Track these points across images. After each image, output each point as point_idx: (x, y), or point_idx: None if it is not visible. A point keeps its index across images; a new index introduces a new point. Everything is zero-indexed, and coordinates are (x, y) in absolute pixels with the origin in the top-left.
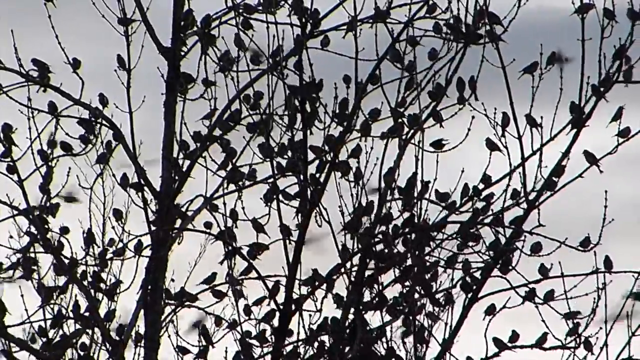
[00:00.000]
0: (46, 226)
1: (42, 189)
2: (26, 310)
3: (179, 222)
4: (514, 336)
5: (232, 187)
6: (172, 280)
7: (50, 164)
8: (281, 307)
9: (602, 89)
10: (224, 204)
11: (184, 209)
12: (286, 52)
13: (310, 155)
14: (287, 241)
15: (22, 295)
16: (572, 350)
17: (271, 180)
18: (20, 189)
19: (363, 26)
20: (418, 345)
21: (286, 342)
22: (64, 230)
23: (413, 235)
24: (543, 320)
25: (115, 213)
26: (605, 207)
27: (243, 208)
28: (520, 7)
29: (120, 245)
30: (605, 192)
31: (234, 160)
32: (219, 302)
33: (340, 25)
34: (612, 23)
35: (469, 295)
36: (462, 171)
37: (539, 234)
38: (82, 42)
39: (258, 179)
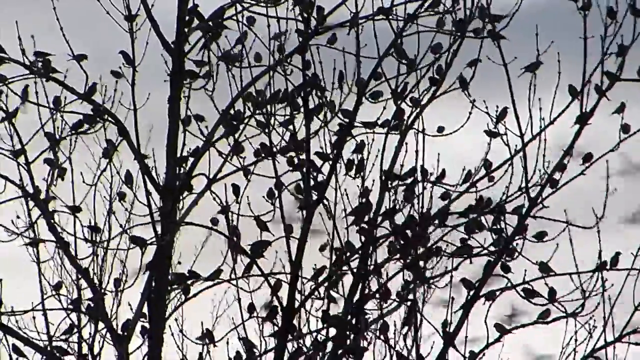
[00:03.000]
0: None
1: (49, 161)
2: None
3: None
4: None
5: (236, 165)
6: (179, 262)
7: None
8: (284, 304)
9: (604, 88)
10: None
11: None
12: (290, 48)
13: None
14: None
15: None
16: (575, 315)
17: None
18: (27, 173)
19: (366, 23)
20: (412, 332)
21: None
22: (76, 209)
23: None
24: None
25: (119, 194)
26: (608, 177)
27: (248, 203)
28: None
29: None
30: (607, 161)
31: (236, 136)
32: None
33: (343, 22)
34: (614, 22)
35: (471, 293)
36: (464, 169)
37: (543, 217)
38: (85, 38)
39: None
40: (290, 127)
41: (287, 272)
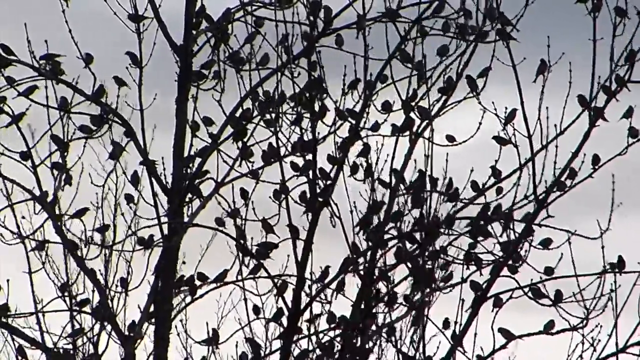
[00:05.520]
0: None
1: (57, 165)
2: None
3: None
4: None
5: (244, 169)
6: (184, 262)
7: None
8: (290, 306)
9: (613, 89)
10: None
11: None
12: (297, 50)
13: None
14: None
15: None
16: (578, 329)
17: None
18: (34, 175)
19: (374, 25)
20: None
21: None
22: (81, 213)
23: (423, 233)
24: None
25: (126, 197)
26: (613, 190)
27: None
28: (528, 5)
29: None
30: (613, 175)
31: (245, 140)
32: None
33: (351, 24)
34: (625, 21)
35: (478, 294)
36: (472, 170)
37: (548, 226)
38: (93, 39)
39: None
40: (298, 128)
41: (292, 275)
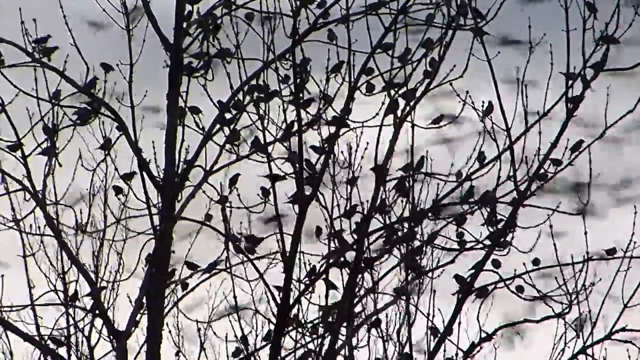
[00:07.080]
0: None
1: (46, 151)
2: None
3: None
4: None
5: (232, 157)
6: (173, 252)
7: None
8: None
9: (588, 78)
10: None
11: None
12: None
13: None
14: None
15: None
16: (563, 316)
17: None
18: (24, 167)
19: (360, 18)
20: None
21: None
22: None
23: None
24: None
25: (115, 189)
26: (590, 161)
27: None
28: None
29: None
30: (589, 153)
31: (231, 126)
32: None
33: (337, 19)
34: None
35: (463, 287)
36: (452, 165)
37: (531, 205)
38: (84, 34)
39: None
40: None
41: (280, 260)
